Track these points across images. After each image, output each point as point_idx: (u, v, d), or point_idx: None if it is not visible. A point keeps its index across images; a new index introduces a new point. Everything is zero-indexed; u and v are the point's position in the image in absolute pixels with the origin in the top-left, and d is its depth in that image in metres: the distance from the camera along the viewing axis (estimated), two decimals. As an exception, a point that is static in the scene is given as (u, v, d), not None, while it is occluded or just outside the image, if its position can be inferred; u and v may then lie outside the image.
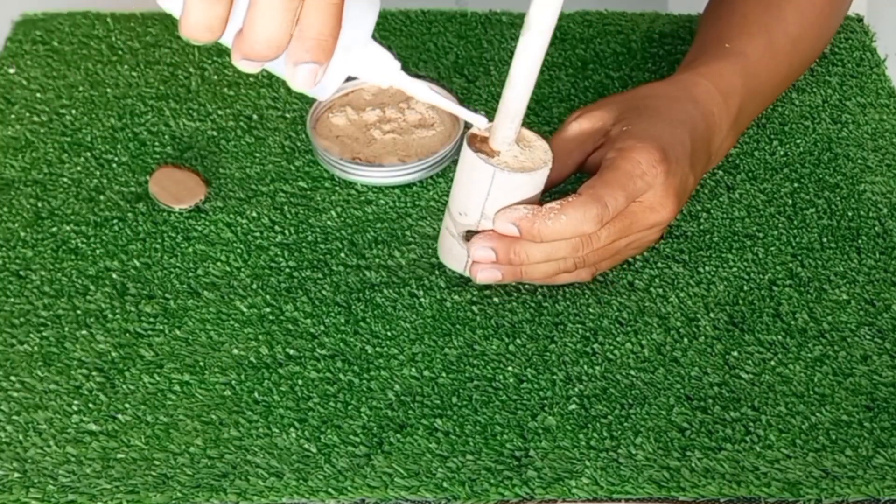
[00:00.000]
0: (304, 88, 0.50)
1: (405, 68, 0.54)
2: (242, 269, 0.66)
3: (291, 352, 0.62)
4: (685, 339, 0.63)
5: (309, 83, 0.49)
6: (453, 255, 0.63)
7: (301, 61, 0.48)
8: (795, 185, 0.72)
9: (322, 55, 0.48)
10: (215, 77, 0.80)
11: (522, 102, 0.56)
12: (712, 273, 0.66)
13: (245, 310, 0.64)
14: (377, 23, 0.84)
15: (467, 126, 0.59)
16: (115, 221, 0.69)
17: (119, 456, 0.57)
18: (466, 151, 0.58)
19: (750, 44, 0.70)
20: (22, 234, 0.68)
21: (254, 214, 0.69)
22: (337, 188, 0.71)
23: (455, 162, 0.73)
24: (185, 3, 0.46)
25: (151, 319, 0.63)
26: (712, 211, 0.70)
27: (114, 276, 0.66)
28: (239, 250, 0.67)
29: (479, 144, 0.59)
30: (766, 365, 0.61)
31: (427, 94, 0.55)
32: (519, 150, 0.58)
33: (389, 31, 0.84)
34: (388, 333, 0.63)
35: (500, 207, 0.58)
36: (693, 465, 0.57)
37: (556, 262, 0.60)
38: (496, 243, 0.59)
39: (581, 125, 0.63)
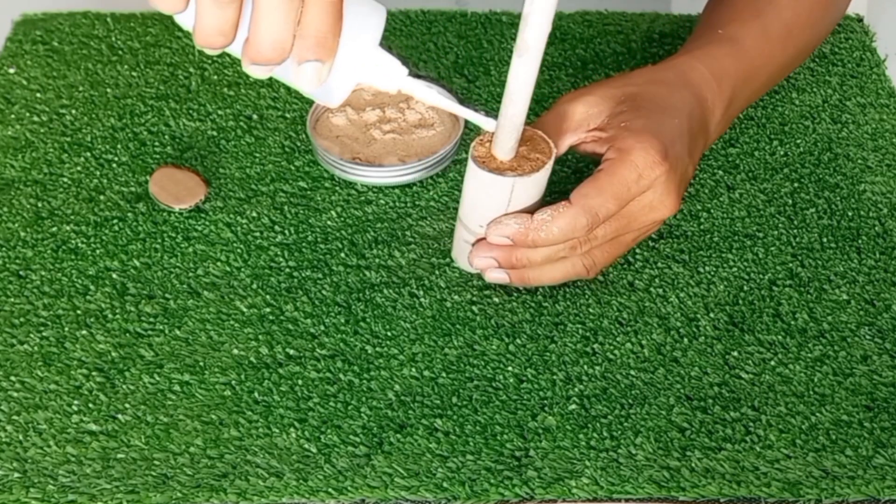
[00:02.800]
0: (311, 88, 0.50)
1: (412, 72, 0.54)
2: (242, 269, 0.66)
3: (291, 352, 0.62)
4: (685, 339, 0.63)
5: (314, 81, 0.50)
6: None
7: (304, 59, 0.49)
8: (795, 185, 0.72)
9: (324, 52, 0.49)
10: (215, 77, 0.80)
11: (523, 115, 0.56)
12: (712, 273, 0.66)
13: (245, 310, 0.64)
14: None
15: (468, 126, 0.59)
16: (115, 221, 0.69)
17: (119, 456, 0.57)
18: (478, 172, 0.58)
19: (742, 29, 0.69)
20: (22, 234, 0.68)
21: (254, 214, 0.69)
22: (337, 188, 0.71)
23: (456, 162, 0.73)
24: (198, 11, 0.48)
25: (151, 319, 0.63)
26: (712, 211, 0.70)
27: (114, 276, 0.66)
28: (239, 250, 0.67)
29: (482, 155, 0.58)
30: (766, 365, 0.61)
31: (435, 99, 0.56)
32: (522, 148, 0.58)
33: (389, 31, 0.84)
34: (388, 333, 0.63)
35: (520, 208, 0.59)
36: (693, 465, 0.57)
37: (561, 263, 0.61)
38: (497, 252, 0.60)
39: (576, 108, 0.62)
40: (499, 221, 0.59)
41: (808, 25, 0.74)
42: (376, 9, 0.51)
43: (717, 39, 0.69)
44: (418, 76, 0.56)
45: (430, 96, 0.55)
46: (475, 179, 0.58)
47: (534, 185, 0.58)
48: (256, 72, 0.50)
